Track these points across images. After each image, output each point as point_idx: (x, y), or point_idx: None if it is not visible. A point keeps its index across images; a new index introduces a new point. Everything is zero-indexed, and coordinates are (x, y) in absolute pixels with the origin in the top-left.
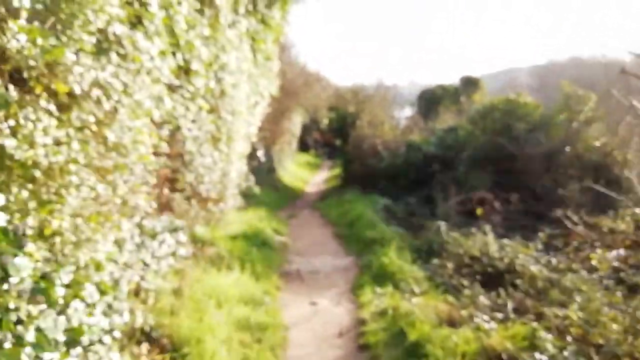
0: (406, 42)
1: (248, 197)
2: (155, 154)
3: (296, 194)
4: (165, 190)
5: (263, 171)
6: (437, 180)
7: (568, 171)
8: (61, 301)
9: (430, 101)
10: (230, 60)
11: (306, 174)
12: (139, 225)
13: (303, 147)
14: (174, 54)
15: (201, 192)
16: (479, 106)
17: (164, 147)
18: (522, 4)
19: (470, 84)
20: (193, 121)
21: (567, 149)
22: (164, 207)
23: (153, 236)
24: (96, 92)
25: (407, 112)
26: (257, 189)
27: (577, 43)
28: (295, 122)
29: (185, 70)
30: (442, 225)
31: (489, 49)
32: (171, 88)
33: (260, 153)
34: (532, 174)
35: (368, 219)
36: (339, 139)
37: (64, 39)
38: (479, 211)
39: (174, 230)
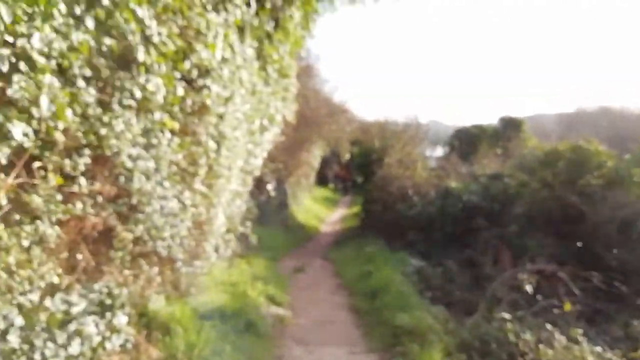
0: (430, 83)
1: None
2: (68, 193)
3: (309, 234)
4: (92, 250)
5: (273, 207)
6: (482, 238)
7: None
8: None
9: (467, 142)
10: (216, 59)
11: (322, 211)
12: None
13: (322, 180)
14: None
15: (159, 250)
16: (539, 152)
17: (82, 183)
18: (551, 51)
19: (511, 125)
20: (145, 146)
21: None
22: (93, 272)
23: (62, 323)
24: None
25: (438, 153)
26: (254, 239)
27: (607, 93)
28: (315, 155)
29: (122, 61)
30: (506, 316)
31: (514, 94)
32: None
33: (270, 187)
34: (604, 242)
35: (397, 290)
36: (361, 175)
37: None
38: (567, 307)
39: (107, 307)
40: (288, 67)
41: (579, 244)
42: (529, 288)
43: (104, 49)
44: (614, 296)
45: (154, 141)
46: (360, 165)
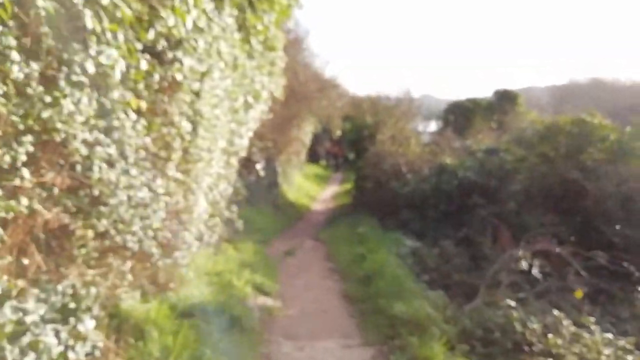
0: (420, 56)
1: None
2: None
3: (300, 213)
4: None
5: (263, 187)
6: (479, 216)
7: None
8: None
9: (461, 116)
10: (187, 28)
11: (314, 188)
12: None
13: (313, 157)
14: None
15: (129, 245)
16: (538, 126)
17: (25, 175)
18: (542, 22)
19: (506, 98)
20: (105, 130)
21: None
22: (54, 273)
23: (13, 336)
24: None
25: (431, 128)
26: (240, 224)
27: (599, 65)
28: (306, 131)
29: (71, 29)
30: (511, 303)
31: (506, 66)
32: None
33: (259, 166)
34: (606, 218)
35: (392, 274)
36: (353, 152)
37: None
38: (578, 294)
39: (71, 312)
40: (274, 39)
41: (579, 220)
42: (530, 269)
43: (42, 13)
44: (617, 274)
45: (116, 123)
46: (352, 142)
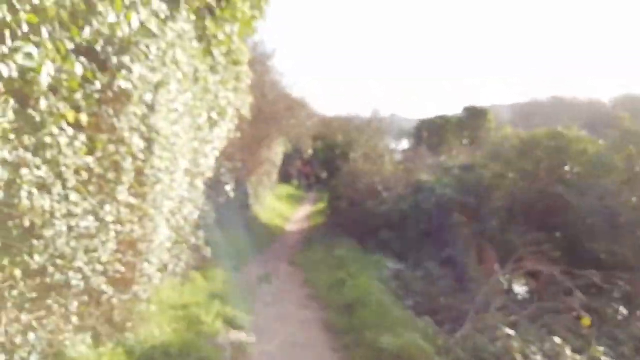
0: (385, 68)
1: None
2: None
3: (274, 235)
4: None
5: (233, 209)
6: (462, 236)
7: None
8: None
9: (431, 133)
10: (132, 27)
11: (287, 209)
12: None
13: (285, 177)
14: None
15: (73, 283)
16: (515, 140)
17: None
18: (504, 43)
19: (476, 114)
20: (34, 148)
21: (635, 199)
22: None
23: None
24: None
25: (403, 146)
26: (208, 251)
27: (558, 82)
28: (277, 152)
29: None
30: (510, 332)
31: (468, 85)
32: None
33: (229, 187)
34: (591, 234)
35: (377, 301)
36: (325, 171)
37: None
38: (586, 321)
39: None
40: (239, 52)
41: (564, 237)
42: (519, 290)
43: None
44: (607, 294)
45: (48, 140)
46: (324, 161)
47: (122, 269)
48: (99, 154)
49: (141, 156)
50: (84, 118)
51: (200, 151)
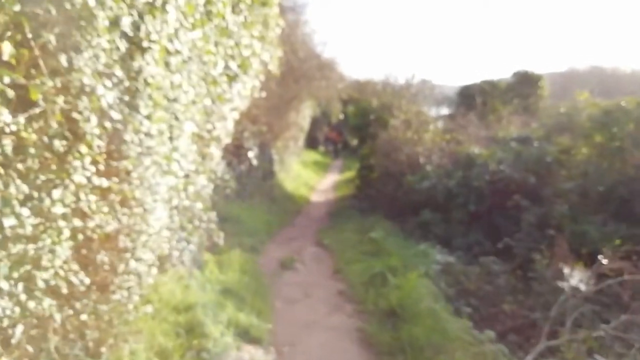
0: (416, 40)
1: (226, 223)
2: None
3: (299, 206)
4: None
5: (256, 178)
6: (527, 222)
7: None
8: None
9: (476, 100)
10: None
11: (313, 177)
12: None
13: (311, 143)
14: None
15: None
16: (594, 110)
17: None
18: (543, 10)
19: (528, 80)
20: None
21: None
22: None
23: None
24: None
25: (443, 112)
26: (221, 237)
27: (599, 52)
28: (304, 115)
29: None
30: None
31: (506, 53)
32: None
33: (252, 154)
34: None
35: (430, 312)
36: (356, 138)
37: None
38: None
39: None
40: None
41: None
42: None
43: None
44: None
45: None
46: (355, 127)
47: (87, 279)
48: (38, 110)
49: (115, 115)
50: (4, 50)
51: (215, 111)
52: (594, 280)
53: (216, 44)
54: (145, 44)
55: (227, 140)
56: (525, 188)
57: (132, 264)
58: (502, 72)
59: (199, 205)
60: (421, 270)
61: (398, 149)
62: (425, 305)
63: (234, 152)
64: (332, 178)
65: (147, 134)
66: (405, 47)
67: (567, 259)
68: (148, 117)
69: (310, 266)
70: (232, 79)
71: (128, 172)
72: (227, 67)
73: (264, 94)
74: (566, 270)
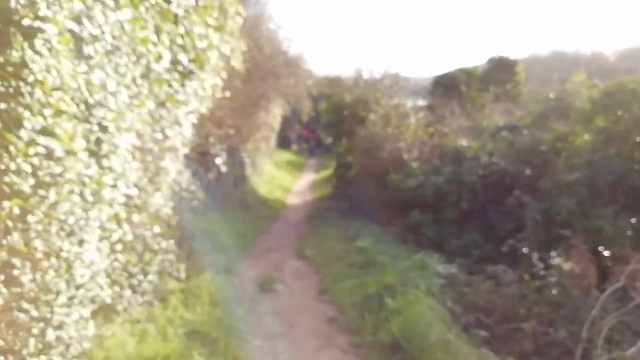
0: (382, 33)
1: (195, 240)
2: None
3: (275, 211)
4: None
5: (227, 185)
6: (532, 221)
7: None
8: None
9: (451, 89)
10: None
11: (288, 178)
12: None
13: (283, 143)
14: None
15: None
16: (593, 91)
17: None
18: None
19: (504, 67)
20: None
21: None
22: None
23: None
24: None
25: (419, 104)
26: (182, 273)
27: (559, 37)
28: (274, 114)
29: None
30: None
31: (469, 41)
32: None
33: (220, 160)
34: None
35: (443, 345)
36: (330, 135)
37: None
38: None
39: None
40: None
41: None
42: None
43: None
44: None
45: None
46: (329, 124)
47: None
48: None
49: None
50: None
51: (164, 117)
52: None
53: (157, 31)
54: (29, 22)
55: (184, 150)
56: (521, 181)
57: (50, 333)
58: (472, 60)
59: (156, 229)
60: (422, 287)
61: (378, 146)
62: (436, 335)
63: (200, 160)
64: (307, 178)
65: (49, 155)
66: (372, 41)
67: (584, 261)
68: (44, 132)
69: (293, 285)
70: (185, 76)
71: (22, 215)
72: (176, 61)
73: (228, 94)
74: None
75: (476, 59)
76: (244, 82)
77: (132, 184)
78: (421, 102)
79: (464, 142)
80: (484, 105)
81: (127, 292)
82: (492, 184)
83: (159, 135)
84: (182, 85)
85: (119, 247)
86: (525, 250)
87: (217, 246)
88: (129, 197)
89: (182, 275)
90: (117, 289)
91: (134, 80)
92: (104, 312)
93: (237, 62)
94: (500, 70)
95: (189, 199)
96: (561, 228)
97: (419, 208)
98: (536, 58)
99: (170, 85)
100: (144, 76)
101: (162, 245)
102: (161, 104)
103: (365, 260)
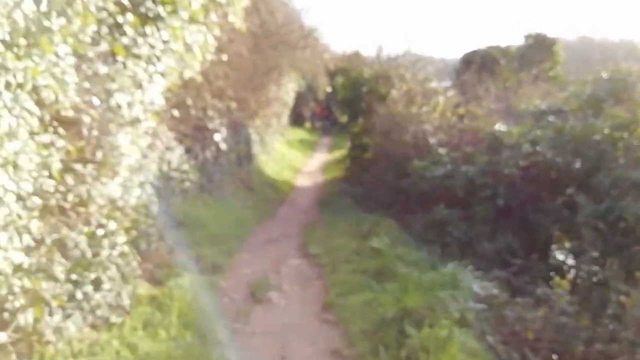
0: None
1: (182, 228)
2: None
3: (282, 194)
4: None
5: (229, 164)
6: (588, 226)
7: None
8: None
9: (482, 68)
10: None
11: (298, 157)
12: None
13: (297, 120)
14: None
15: None
16: None
17: None
18: None
19: (542, 45)
20: None
21: None
22: None
23: None
24: None
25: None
26: (126, 302)
27: (587, 23)
28: (288, 89)
29: None
30: None
31: (492, 24)
32: None
33: (219, 136)
34: None
35: None
36: (346, 113)
37: None
38: None
39: None
40: None
41: None
42: None
43: None
44: None
45: None
46: (345, 101)
47: None
48: None
49: None
50: None
51: (109, 76)
52: None
53: None
54: None
55: (150, 123)
56: (570, 176)
57: None
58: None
59: (111, 225)
60: (454, 313)
61: (400, 127)
62: None
63: (195, 135)
64: (320, 158)
65: None
66: (393, 19)
67: None
68: None
69: (291, 294)
70: (145, 20)
71: None
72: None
73: (225, 57)
74: None
75: (504, 38)
76: (251, 49)
77: (32, 174)
78: (447, 83)
79: (502, 126)
80: (519, 86)
81: (57, 317)
82: (534, 178)
83: (97, 101)
84: (143, 35)
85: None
86: (583, 267)
87: (207, 237)
88: (34, 191)
89: (126, 302)
90: (45, 308)
91: (28, 17)
92: (25, 342)
93: (236, 18)
94: (538, 49)
95: (180, 180)
96: (623, 237)
97: (445, 202)
98: (563, 43)
99: (116, 30)
100: (62, 13)
101: (117, 246)
102: (101, 57)
103: (381, 267)
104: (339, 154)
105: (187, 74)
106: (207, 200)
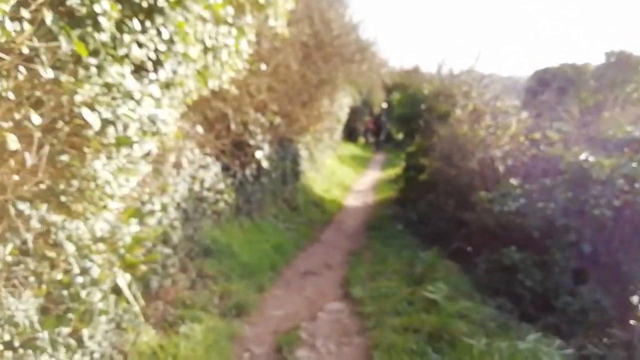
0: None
1: (208, 258)
2: None
3: (328, 214)
4: None
5: (272, 182)
6: None
7: None
8: None
9: (556, 89)
10: None
11: (350, 175)
12: None
13: (350, 135)
14: None
15: None
16: None
17: None
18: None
19: (626, 63)
20: None
21: None
22: None
23: None
24: None
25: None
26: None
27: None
28: (342, 104)
29: None
30: None
31: (565, 40)
32: None
33: (261, 154)
34: None
35: None
36: (402, 130)
37: None
38: None
39: None
40: None
41: None
42: None
43: None
44: None
45: None
46: (401, 118)
47: None
48: None
49: None
50: None
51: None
52: None
53: None
54: None
55: (149, 143)
56: None
57: None
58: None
59: (94, 271)
60: None
61: (464, 150)
62: None
63: (234, 152)
64: (372, 175)
65: None
66: (455, 36)
67: None
68: None
69: (324, 355)
70: (137, 14)
71: None
72: None
73: (263, 66)
74: None
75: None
76: (301, 61)
77: None
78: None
79: (589, 157)
80: (600, 109)
81: None
82: (630, 221)
83: (37, 119)
84: (131, 32)
85: None
86: None
87: (237, 267)
88: None
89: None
90: None
91: None
92: None
93: (278, 23)
94: (621, 68)
95: (213, 201)
96: None
97: (516, 243)
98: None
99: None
100: None
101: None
102: (96, 53)
103: (438, 326)
104: (392, 172)
105: (212, 85)
106: (243, 222)
